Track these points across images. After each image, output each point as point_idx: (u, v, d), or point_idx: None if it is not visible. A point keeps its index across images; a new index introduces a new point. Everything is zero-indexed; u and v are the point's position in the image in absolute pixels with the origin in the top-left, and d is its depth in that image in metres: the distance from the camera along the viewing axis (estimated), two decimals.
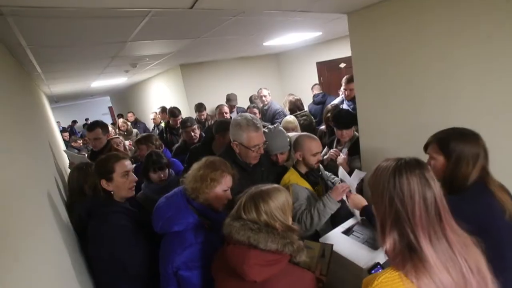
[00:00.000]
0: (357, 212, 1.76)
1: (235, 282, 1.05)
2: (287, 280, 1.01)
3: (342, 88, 3.36)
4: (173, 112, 4.08)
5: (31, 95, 3.05)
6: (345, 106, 3.25)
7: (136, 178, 1.67)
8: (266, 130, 2.00)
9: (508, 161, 1.50)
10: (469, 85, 1.60)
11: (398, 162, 0.83)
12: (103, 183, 1.55)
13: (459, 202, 1.10)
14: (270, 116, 4.21)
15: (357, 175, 1.90)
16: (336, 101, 3.57)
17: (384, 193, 0.81)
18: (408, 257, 0.77)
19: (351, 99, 3.24)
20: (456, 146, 1.19)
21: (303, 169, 1.95)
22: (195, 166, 1.41)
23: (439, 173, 1.26)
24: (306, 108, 4.03)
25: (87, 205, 1.62)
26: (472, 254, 0.78)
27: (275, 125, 2.12)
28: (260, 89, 4.55)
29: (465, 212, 1.06)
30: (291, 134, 2.50)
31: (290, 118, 3.10)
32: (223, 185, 1.37)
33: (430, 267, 0.73)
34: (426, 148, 1.34)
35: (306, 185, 1.88)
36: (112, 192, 1.57)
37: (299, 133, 2.69)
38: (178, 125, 4.04)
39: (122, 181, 1.59)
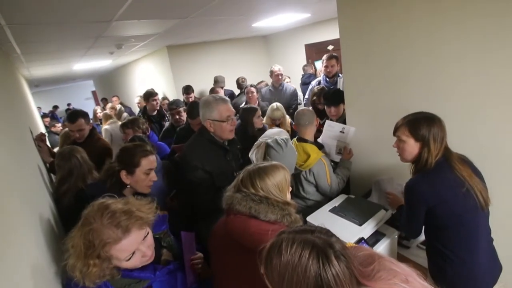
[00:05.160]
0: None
1: (235, 252, 1.09)
2: None
3: (323, 65, 3.43)
4: (150, 93, 3.58)
5: (8, 79, 2.91)
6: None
7: (156, 178, 1.54)
8: (276, 150, 1.73)
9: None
10: (453, 66, 1.63)
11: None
12: (123, 174, 1.45)
13: (421, 180, 1.32)
14: (287, 97, 3.87)
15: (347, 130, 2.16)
16: (314, 82, 3.66)
17: None
18: None
19: (332, 77, 3.38)
20: (427, 130, 1.29)
21: (311, 138, 2.10)
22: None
23: (408, 154, 1.36)
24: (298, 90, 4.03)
25: (92, 190, 1.44)
26: None
27: (285, 140, 1.78)
28: (275, 65, 3.97)
29: (426, 188, 1.28)
30: (275, 130, 2.15)
31: (276, 105, 2.96)
32: (123, 253, 0.90)
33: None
34: (395, 131, 1.41)
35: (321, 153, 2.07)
36: (128, 186, 1.47)
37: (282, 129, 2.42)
38: (156, 110, 3.67)
39: (143, 177, 1.48)
